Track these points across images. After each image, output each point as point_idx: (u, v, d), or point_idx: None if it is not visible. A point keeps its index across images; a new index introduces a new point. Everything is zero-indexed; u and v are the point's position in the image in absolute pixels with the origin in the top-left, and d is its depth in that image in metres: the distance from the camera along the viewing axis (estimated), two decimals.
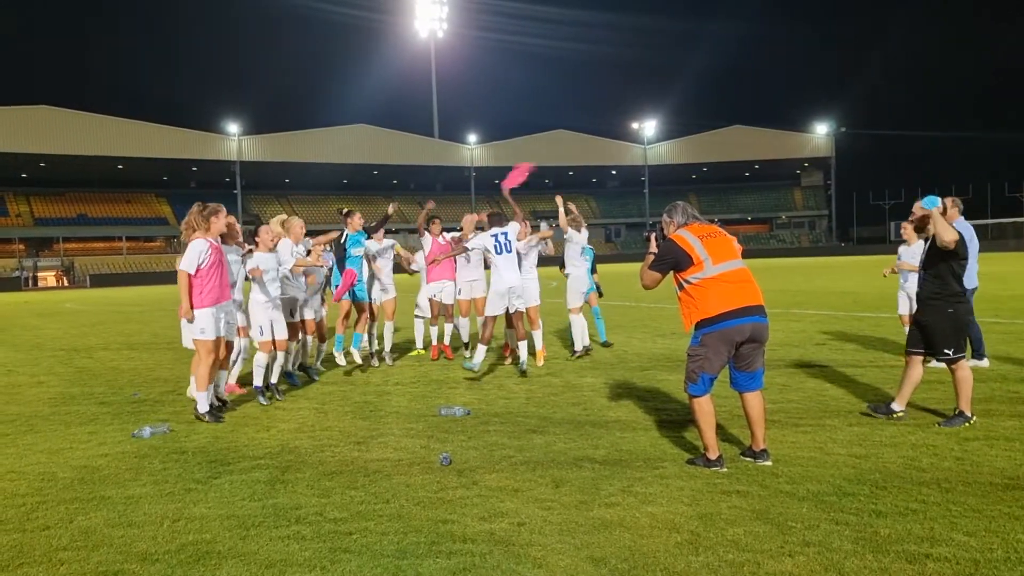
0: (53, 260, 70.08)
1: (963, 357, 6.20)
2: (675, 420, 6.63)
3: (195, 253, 7.11)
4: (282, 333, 8.29)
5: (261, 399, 7.99)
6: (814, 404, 7.11)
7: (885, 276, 10.16)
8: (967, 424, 6.03)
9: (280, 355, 8.37)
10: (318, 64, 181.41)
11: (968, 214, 7.13)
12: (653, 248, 5.41)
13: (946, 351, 6.14)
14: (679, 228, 5.30)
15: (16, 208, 71.84)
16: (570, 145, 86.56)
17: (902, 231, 9.24)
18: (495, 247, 9.19)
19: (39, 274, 68.04)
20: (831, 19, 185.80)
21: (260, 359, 8.09)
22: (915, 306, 6.86)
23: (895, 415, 6.36)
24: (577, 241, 10.68)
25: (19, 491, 5.15)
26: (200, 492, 4.99)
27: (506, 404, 7.59)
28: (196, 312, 7.13)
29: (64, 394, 9.07)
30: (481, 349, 8.96)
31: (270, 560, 3.83)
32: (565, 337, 11.82)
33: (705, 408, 5.14)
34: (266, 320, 8.16)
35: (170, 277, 60.82)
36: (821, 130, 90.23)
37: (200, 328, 7.15)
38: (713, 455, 5.15)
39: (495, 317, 9.24)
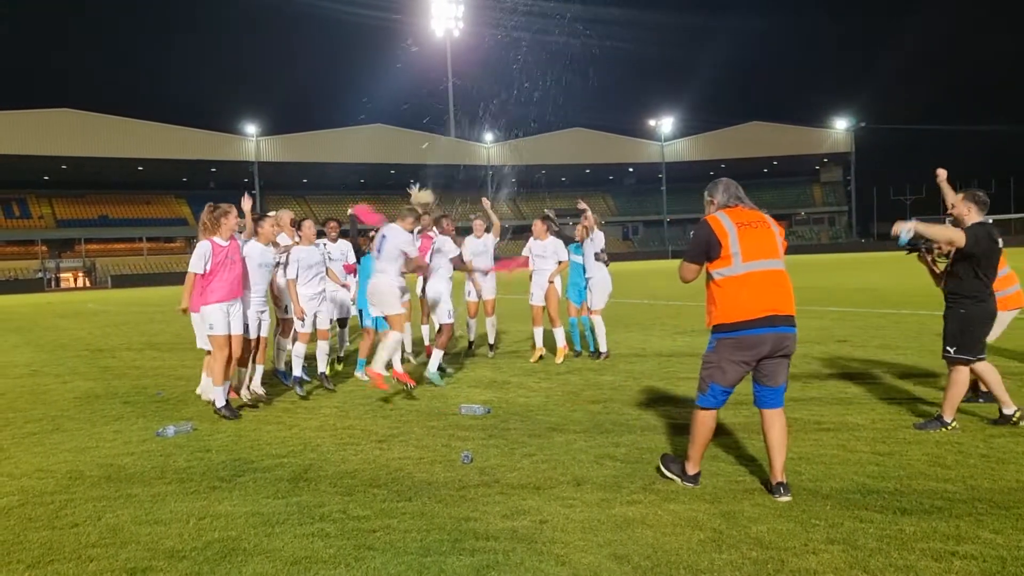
0: (75, 261, 70.83)
1: (967, 360, 5.87)
2: None
3: (199, 255, 7.32)
4: (324, 324, 8.67)
5: (298, 389, 8.28)
6: (836, 401, 7.07)
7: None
8: (944, 429, 5.80)
9: (325, 344, 8.71)
10: (335, 64, 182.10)
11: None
12: None
13: (948, 348, 5.94)
14: (719, 209, 4.68)
15: (39, 210, 72.66)
16: (587, 143, 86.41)
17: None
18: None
19: (60, 275, 68.80)
20: (850, 12, 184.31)
21: (299, 349, 8.38)
22: None
23: (949, 426, 5.89)
24: (597, 243, 10.50)
25: (47, 489, 5.22)
26: (224, 490, 5.04)
27: (526, 402, 7.60)
28: (205, 309, 7.31)
29: (89, 393, 9.17)
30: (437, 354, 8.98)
31: (295, 557, 3.86)
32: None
33: (705, 422, 4.67)
34: (310, 312, 8.43)
35: None
36: (840, 125, 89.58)
37: (209, 324, 7.31)
38: (692, 470, 4.75)
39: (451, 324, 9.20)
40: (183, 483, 5.24)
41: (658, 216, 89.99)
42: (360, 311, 9.50)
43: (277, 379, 8.98)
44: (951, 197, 6.57)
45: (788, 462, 5.08)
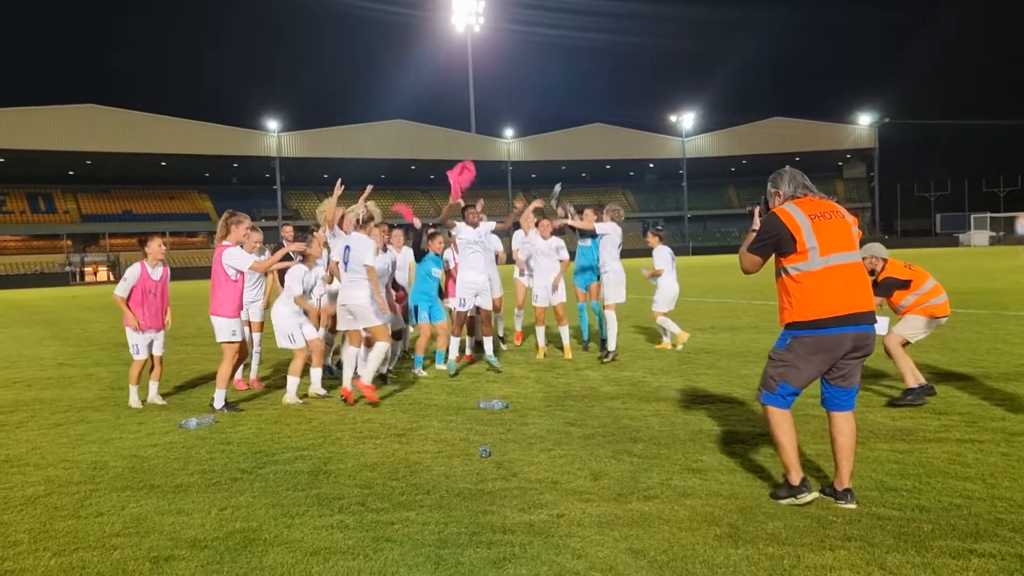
0: (99, 255, 71.59)
1: None
2: (714, 415, 6.61)
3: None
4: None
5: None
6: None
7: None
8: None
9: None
10: (356, 60, 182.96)
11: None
12: (756, 224, 4.54)
13: None
14: (786, 201, 4.42)
15: (64, 205, 73.50)
16: (607, 139, 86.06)
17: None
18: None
19: (85, 269, 69.60)
20: (874, 6, 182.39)
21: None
22: None
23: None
24: (611, 238, 10.25)
25: (72, 479, 5.32)
26: (246, 482, 5.10)
27: (544, 398, 7.63)
28: (227, 320, 7.55)
29: (113, 386, 9.31)
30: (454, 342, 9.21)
31: (315, 548, 3.92)
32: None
33: (783, 422, 4.33)
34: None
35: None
36: (864, 121, 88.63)
37: (232, 331, 7.55)
38: (796, 478, 4.32)
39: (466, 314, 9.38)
40: (205, 474, 5.31)
41: (679, 212, 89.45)
42: (414, 307, 9.49)
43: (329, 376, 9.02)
44: None
45: (806, 459, 5.08)
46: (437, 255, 9.45)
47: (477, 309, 9.57)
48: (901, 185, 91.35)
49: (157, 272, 7.97)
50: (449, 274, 10.40)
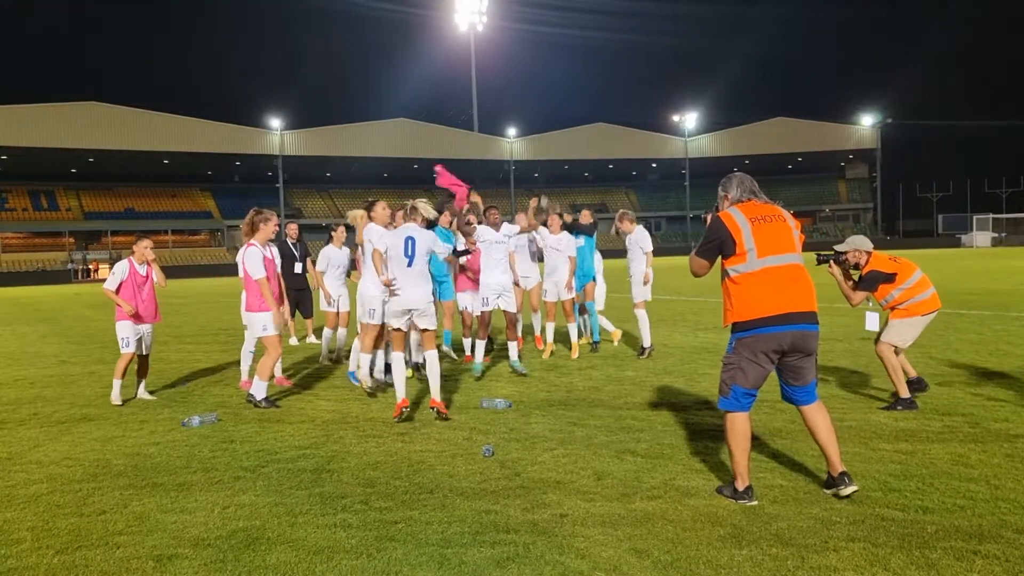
0: (102, 253, 71.65)
1: None
2: (717, 415, 6.60)
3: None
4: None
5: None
6: (859, 399, 7.04)
7: None
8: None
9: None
10: (359, 59, 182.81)
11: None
12: None
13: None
14: (732, 204, 4.54)
15: (66, 202, 73.54)
16: (610, 138, 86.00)
17: None
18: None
19: (88, 266, 69.64)
20: (877, 6, 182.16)
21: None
22: None
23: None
24: (632, 239, 10.31)
25: (75, 477, 5.32)
26: (248, 480, 5.10)
27: (547, 397, 7.63)
28: (260, 315, 7.57)
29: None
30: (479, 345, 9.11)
31: (318, 547, 3.92)
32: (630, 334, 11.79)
33: (737, 427, 4.41)
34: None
35: (215, 270, 61.97)
36: (866, 121, 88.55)
37: (263, 326, 7.56)
38: (742, 484, 4.41)
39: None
40: (208, 473, 5.31)
41: (681, 212, 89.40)
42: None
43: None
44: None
45: (809, 460, 5.09)
46: (446, 229, 9.32)
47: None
48: (903, 185, 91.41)
49: (143, 269, 8.04)
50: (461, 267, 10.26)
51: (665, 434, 5.97)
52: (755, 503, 4.35)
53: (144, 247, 8.05)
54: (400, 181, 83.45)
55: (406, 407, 6.80)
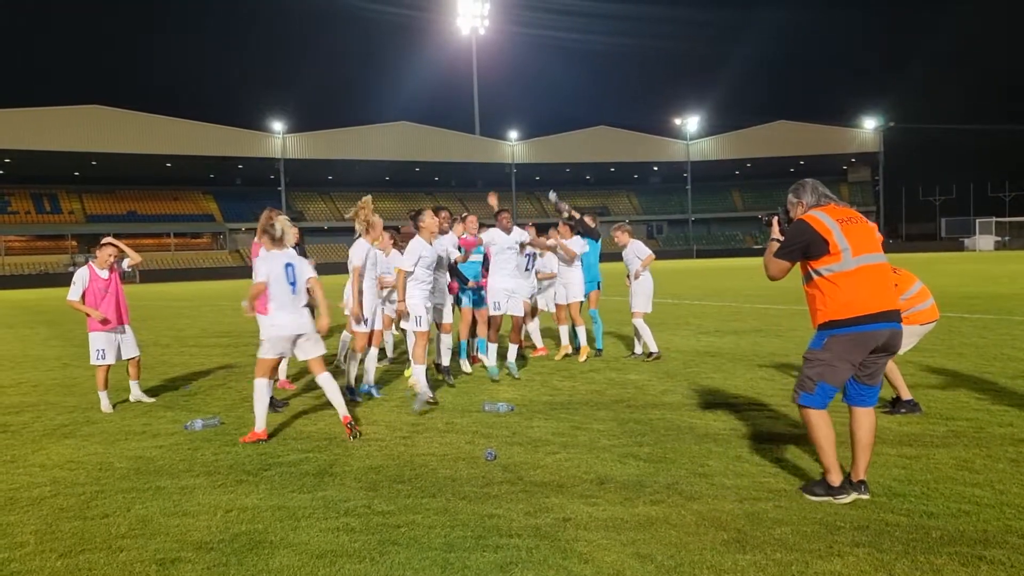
0: None
1: None
2: (720, 419, 6.59)
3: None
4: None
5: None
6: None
7: None
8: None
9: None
10: (361, 62, 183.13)
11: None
12: (776, 234, 4.72)
13: None
14: (810, 209, 4.61)
15: (69, 205, 73.61)
16: (611, 141, 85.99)
17: None
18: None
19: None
20: (879, 10, 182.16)
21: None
22: None
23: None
24: (628, 251, 10.40)
25: (78, 480, 5.32)
26: (251, 484, 5.10)
27: (550, 400, 7.62)
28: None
29: (117, 386, 9.26)
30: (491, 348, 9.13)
31: (320, 550, 3.91)
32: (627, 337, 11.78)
33: (822, 421, 4.48)
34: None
35: (217, 273, 62.06)
36: (869, 125, 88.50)
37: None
38: (836, 479, 4.45)
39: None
40: (210, 476, 5.31)
41: (683, 215, 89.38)
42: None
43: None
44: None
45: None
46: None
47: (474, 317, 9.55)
48: (906, 189, 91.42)
49: (105, 273, 8.05)
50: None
51: (668, 438, 5.96)
52: (852, 498, 4.41)
53: (108, 254, 8.03)
54: (402, 184, 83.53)
55: (263, 439, 6.27)
